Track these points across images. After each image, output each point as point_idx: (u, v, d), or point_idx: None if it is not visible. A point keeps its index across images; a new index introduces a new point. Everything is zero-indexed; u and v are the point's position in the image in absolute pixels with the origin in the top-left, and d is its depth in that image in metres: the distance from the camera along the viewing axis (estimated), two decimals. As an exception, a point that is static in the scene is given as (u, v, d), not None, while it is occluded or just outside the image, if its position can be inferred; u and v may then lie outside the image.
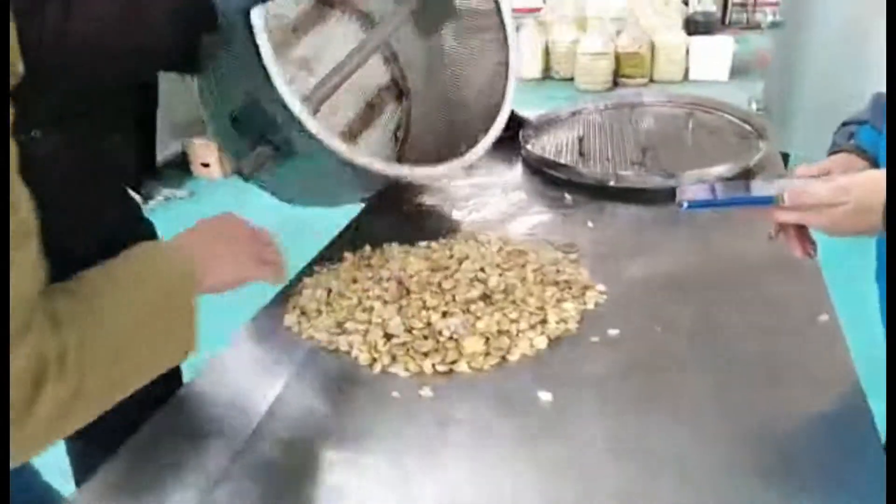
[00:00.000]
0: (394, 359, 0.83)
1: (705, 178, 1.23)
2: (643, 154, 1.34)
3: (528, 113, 1.61)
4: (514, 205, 1.29)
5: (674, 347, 0.83)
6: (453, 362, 0.82)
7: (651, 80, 4.77)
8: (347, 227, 1.25)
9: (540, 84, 5.03)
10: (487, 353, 0.82)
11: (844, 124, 0.90)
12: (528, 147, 1.44)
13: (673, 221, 1.17)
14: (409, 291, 0.94)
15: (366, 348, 0.85)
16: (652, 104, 1.62)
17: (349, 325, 0.89)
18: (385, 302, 0.93)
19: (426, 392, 0.78)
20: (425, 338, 0.85)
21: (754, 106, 2.88)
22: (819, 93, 2.51)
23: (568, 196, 1.29)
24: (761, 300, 0.91)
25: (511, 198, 1.32)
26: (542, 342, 0.84)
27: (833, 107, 2.24)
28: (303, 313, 0.95)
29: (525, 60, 4.90)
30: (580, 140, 1.41)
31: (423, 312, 0.89)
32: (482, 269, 0.97)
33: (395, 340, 0.85)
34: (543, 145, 1.47)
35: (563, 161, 1.36)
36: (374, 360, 0.84)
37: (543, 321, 0.87)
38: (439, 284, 0.95)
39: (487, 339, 0.84)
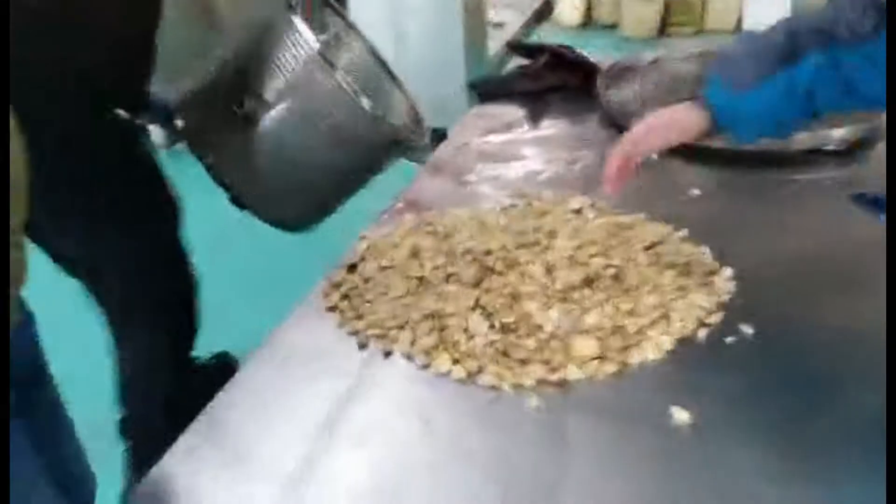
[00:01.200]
0: (480, 368, 0.67)
1: (826, 141, 1.04)
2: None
3: (598, 59, 1.41)
4: (593, 165, 1.12)
5: (835, 352, 0.67)
6: (558, 368, 0.66)
7: (701, 30, 4.45)
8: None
9: (580, 32, 4.72)
10: (602, 357, 0.67)
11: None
12: (609, 98, 1.25)
13: (794, 193, 0.99)
14: (492, 271, 0.79)
15: (442, 351, 0.69)
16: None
17: (414, 316, 0.73)
18: (461, 284, 0.77)
19: (533, 403, 0.63)
20: (519, 335, 0.69)
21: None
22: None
23: (655, 155, 1.11)
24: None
25: (589, 156, 1.14)
26: (667, 343, 0.68)
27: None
28: (346, 297, 0.79)
29: (564, 5, 4.60)
30: (671, 93, 1.22)
31: (514, 303, 0.73)
32: (579, 246, 0.81)
33: (479, 339, 0.69)
34: (625, 97, 1.28)
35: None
36: (456, 364, 0.68)
37: (665, 315, 0.70)
38: (528, 264, 0.79)
39: (600, 338, 0.68)
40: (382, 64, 1.24)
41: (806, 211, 0.93)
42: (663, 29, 4.45)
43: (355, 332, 0.74)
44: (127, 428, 1.23)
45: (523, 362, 0.66)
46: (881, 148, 1.08)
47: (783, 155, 1.05)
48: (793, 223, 0.90)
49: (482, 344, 0.68)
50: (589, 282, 0.75)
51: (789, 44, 0.64)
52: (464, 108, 2.37)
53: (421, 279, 0.79)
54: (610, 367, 0.65)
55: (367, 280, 0.82)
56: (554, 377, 0.65)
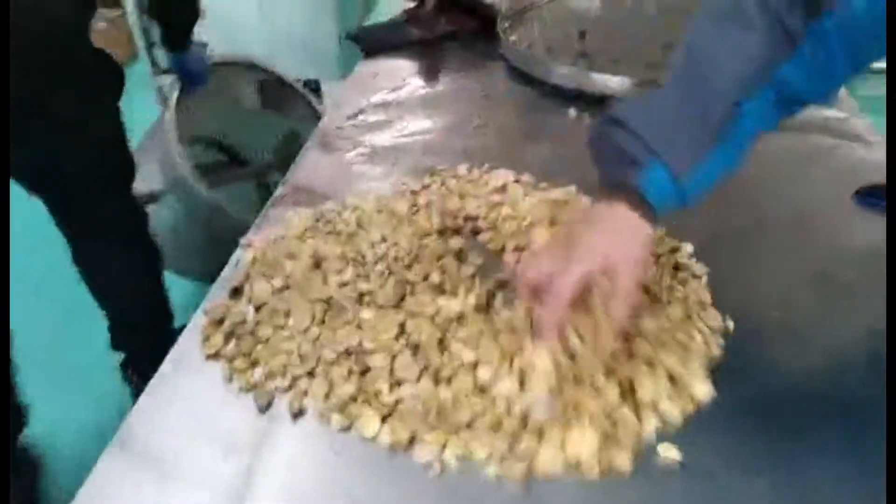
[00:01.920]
0: (413, 436, 0.51)
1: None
2: (665, 51, 1.05)
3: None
4: (505, 127, 0.98)
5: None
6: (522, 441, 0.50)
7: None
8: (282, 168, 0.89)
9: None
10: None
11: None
12: (512, 45, 1.11)
13: None
14: (412, 286, 0.64)
15: (364, 405, 0.53)
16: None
17: (326, 355, 0.57)
18: (378, 306, 0.62)
19: (491, 471, 0.49)
20: (458, 390, 0.53)
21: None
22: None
23: (573, 111, 0.99)
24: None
25: (499, 115, 1.00)
26: (674, 412, 0.52)
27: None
28: (232, 337, 0.61)
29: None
30: (581, 35, 1.09)
31: (446, 335, 0.58)
32: (518, 247, 0.67)
33: (408, 388, 0.54)
34: (529, 41, 1.14)
35: (558, 63, 1.05)
36: (385, 422, 0.52)
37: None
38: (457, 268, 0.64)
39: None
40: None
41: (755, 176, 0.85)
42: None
43: (251, 388, 0.57)
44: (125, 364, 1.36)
45: (469, 427, 0.51)
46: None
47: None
48: (751, 189, 0.81)
49: (411, 394, 0.53)
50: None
51: (716, 96, 0.50)
52: (336, 54, 2.14)
53: (328, 301, 0.63)
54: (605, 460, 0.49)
55: (258, 308, 0.64)
56: (519, 456, 0.49)
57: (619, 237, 0.51)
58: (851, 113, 0.96)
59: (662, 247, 0.68)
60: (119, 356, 1.38)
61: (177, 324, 1.39)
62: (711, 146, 0.51)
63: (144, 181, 1.36)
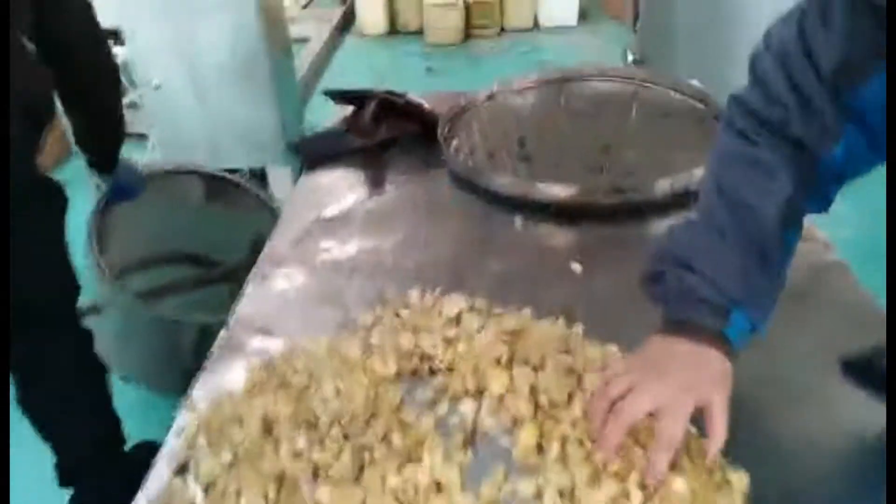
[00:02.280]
0: None
1: (686, 182, 0.99)
2: (604, 153, 1.07)
3: (433, 104, 1.27)
4: (453, 242, 0.97)
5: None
6: None
7: (502, 30, 4.54)
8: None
9: (386, 40, 4.61)
10: None
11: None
12: (455, 154, 1.12)
13: None
14: (370, 452, 0.60)
15: None
16: (582, 78, 1.34)
17: None
18: (336, 483, 0.58)
19: None
20: None
21: (630, 57, 2.74)
22: (700, 36, 2.38)
23: (519, 221, 0.99)
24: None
25: (446, 230, 1.00)
26: None
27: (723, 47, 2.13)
28: None
29: (367, 13, 4.45)
30: (521, 142, 1.11)
31: None
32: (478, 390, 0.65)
33: None
34: (471, 148, 1.15)
35: (501, 171, 1.06)
36: None
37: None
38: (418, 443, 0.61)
39: None
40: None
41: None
42: (467, 32, 4.48)
43: None
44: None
45: None
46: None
47: (646, 204, 0.98)
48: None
49: None
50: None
51: (766, 238, 0.57)
52: (277, 141, 2.12)
53: (282, 477, 0.59)
54: None
55: (206, 488, 0.59)
56: None
57: (712, 377, 0.55)
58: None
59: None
60: (68, 493, 1.27)
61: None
62: (778, 290, 0.58)
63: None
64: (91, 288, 1.47)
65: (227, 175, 1.72)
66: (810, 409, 0.66)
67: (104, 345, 1.61)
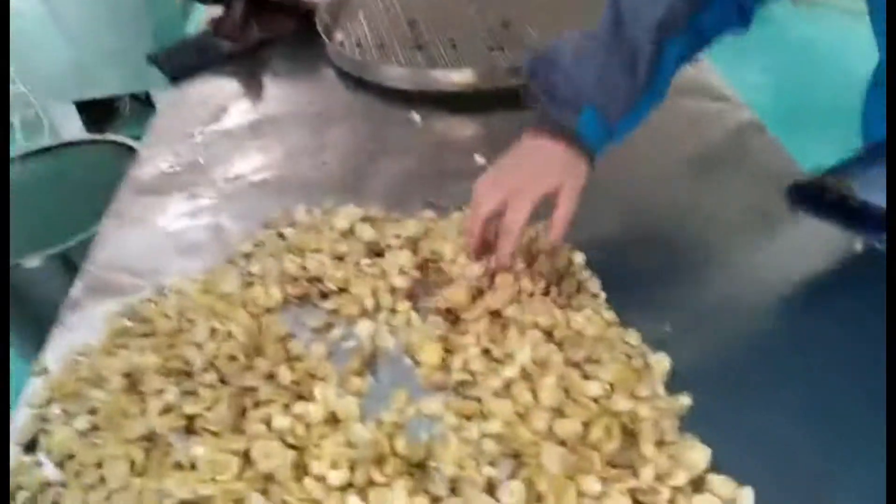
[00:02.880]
0: None
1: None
2: (504, 29, 0.96)
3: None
4: (345, 148, 0.86)
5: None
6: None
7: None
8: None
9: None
10: None
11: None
12: (339, 48, 0.99)
13: None
14: (254, 393, 0.52)
15: None
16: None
17: None
18: (214, 434, 0.49)
19: None
20: None
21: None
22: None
23: (416, 116, 0.89)
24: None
25: (336, 135, 0.89)
26: None
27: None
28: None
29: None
30: (412, 25, 0.98)
31: (303, 471, 0.47)
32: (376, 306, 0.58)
33: None
34: (357, 39, 1.02)
35: (397, 59, 0.94)
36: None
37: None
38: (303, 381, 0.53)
39: None
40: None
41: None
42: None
43: None
44: None
45: None
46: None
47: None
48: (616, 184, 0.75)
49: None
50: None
51: (641, 42, 0.55)
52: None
53: (150, 438, 0.50)
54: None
55: (61, 463, 0.50)
56: None
57: (560, 168, 0.56)
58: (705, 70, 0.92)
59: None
60: None
61: None
62: (640, 97, 0.56)
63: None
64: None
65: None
66: (731, 271, 0.62)
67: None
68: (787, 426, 0.49)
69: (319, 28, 1.01)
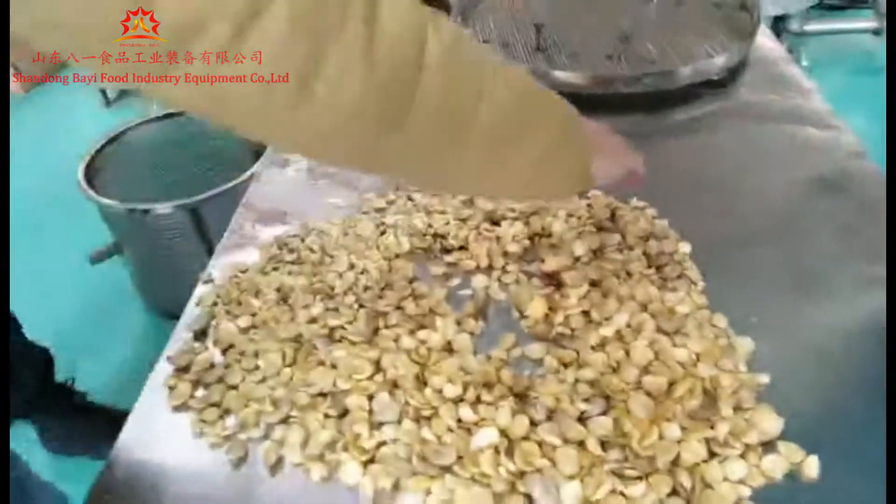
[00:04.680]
0: (396, 482, 0.49)
1: (707, 70, 0.96)
2: (623, 42, 1.03)
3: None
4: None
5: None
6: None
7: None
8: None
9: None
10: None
11: None
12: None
13: (710, 127, 0.91)
14: (385, 317, 0.62)
15: (343, 452, 0.51)
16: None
17: (301, 400, 0.55)
18: (351, 343, 0.59)
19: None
20: (439, 431, 0.51)
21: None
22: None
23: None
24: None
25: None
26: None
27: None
28: (198, 385, 0.58)
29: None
30: (538, 29, 1.07)
31: (424, 373, 0.56)
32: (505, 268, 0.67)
33: (389, 429, 0.52)
34: (486, 38, 1.11)
35: (519, 58, 1.03)
36: (368, 466, 0.51)
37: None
38: (429, 310, 0.63)
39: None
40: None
41: (722, 150, 0.85)
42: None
43: (223, 440, 0.54)
44: None
45: (448, 471, 0.49)
46: (749, 74, 1.03)
47: (664, 94, 0.96)
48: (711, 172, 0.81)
49: (392, 437, 0.52)
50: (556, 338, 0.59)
51: None
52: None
53: (298, 339, 0.60)
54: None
55: (225, 351, 0.61)
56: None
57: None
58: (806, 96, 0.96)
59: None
60: None
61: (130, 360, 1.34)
62: None
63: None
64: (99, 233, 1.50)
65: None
66: (819, 282, 0.66)
67: (134, 282, 1.66)
68: (862, 410, 0.53)
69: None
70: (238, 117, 0.38)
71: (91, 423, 1.31)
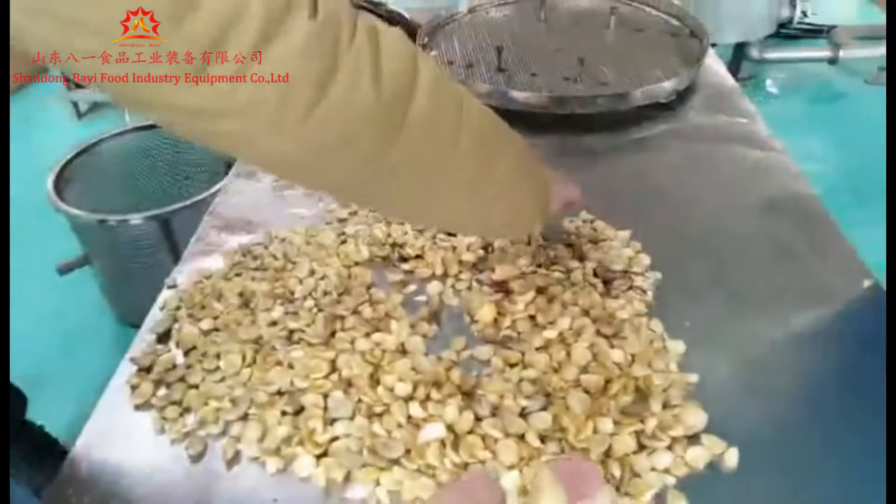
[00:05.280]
0: (348, 474, 0.53)
1: (657, 94, 1.02)
2: (580, 65, 1.09)
3: (411, 13, 1.27)
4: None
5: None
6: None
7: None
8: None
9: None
10: None
11: None
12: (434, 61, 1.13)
13: (660, 146, 0.96)
14: (342, 320, 0.65)
15: (297, 446, 0.54)
16: (562, -4, 1.34)
17: (259, 397, 0.58)
18: (308, 345, 0.62)
19: None
20: (389, 427, 0.55)
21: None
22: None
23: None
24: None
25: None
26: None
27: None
28: (160, 384, 0.61)
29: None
30: (499, 51, 1.12)
31: (377, 371, 0.60)
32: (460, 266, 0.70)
33: (342, 426, 0.55)
34: (450, 59, 1.16)
35: (482, 78, 1.08)
36: (321, 460, 0.54)
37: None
38: (386, 316, 0.66)
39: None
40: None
41: (671, 168, 0.91)
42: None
43: (183, 436, 0.57)
44: None
45: (396, 463, 0.52)
46: (698, 98, 1.09)
47: (618, 114, 1.01)
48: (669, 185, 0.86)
49: (345, 432, 0.55)
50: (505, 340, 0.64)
51: None
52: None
53: (258, 341, 0.63)
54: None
55: (187, 352, 0.64)
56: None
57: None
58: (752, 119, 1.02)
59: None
60: None
61: (102, 370, 1.36)
62: None
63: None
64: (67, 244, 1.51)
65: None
66: (757, 292, 0.71)
67: (104, 292, 1.66)
68: (786, 411, 0.58)
69: (418, 45, 1.16)
70: (247, 128, 0.38)
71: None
